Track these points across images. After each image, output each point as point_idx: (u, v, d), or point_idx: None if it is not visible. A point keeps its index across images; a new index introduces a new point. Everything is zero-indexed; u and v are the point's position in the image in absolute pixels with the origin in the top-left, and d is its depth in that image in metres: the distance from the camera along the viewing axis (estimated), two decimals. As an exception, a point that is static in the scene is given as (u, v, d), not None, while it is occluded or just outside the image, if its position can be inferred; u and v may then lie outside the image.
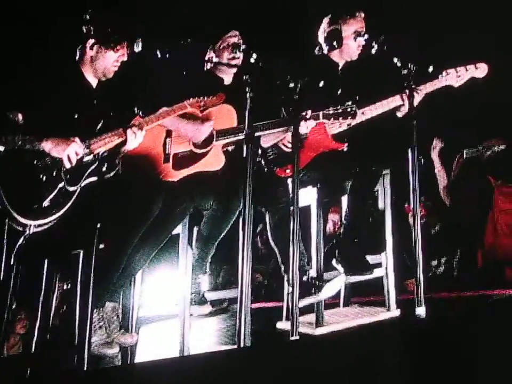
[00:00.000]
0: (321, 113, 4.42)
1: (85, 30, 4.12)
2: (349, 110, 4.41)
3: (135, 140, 4.05)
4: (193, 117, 4.41)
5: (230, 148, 4.58)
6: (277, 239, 4.58)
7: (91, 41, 4.09)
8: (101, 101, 4.16)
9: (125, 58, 4.10)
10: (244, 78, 3.89)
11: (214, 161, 4.40)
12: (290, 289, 4.44)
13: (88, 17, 4.12)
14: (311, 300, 4.45)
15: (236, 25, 4.80)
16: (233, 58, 4.60)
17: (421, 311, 4.16)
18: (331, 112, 4.42)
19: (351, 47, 4.83)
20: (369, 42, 4.57)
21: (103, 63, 4.10)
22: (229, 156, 4.50)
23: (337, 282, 4.51)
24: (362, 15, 4.84)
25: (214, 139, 4.42)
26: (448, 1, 6.56)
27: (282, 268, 4.57)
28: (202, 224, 4.43)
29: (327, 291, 4.43)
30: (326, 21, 4.89)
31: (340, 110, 4.41)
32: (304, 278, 4.43)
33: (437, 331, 3.97)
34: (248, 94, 3.86)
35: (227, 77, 4.73)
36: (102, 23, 4.10)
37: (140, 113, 4.24)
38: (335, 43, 4.79)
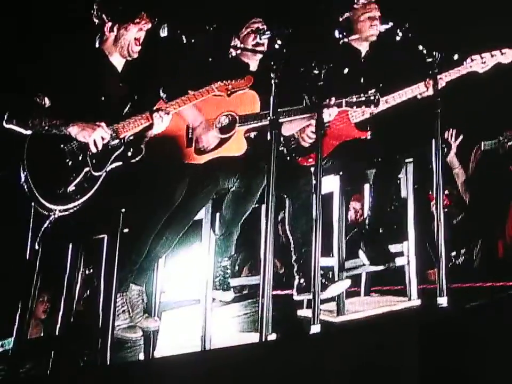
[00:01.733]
0: (344, 101, 4.40)
1: (96, 20, 4.14)
2: (372, 98, 4.40)
3: (161, 123, 4.05)
4: (219, 104, 4.41)
5: (252, 135, 4.56)
6: (293, 227, 4.55)
7: (108, 24, 4.10)
8: (127, 84, 4.17)
9: (149, 26, 4.09)
10: (270, 64, 3.88)
11: (236, 146, 4.39)
12: (297, 280, 4.46)
13: (96, 7, 4.13)
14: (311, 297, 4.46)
15: (260, 12, 4.79)
16: (258, 44, 4.58)
17: (443, 301, 4.15)
18: (354, 100, 4.40)
19: (363, 29, 4.86)
20: (394, 29, 4.56)
21: (127, 37, 4.10)
22: (251, 142, 4.49)
23: (342, 285, 4.48)
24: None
25: (237, 124, 4.41)
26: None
27: (294, 257, 4.54)
28: (225, 205, 4.41)
29: (331, 291, 4.38)
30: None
31: (363, 98, 4.40)
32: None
33: (459, 321, 3.96)
34: (273, 80, 3.86)
35: (252, 63, 4.71)
36: (111, 5, 4.11)
37: (164, 97, 4.23)
38: (348, 29, 4.87)
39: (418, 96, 4.69)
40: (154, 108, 4.14)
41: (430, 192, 5.95)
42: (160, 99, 4.29)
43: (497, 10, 6.42)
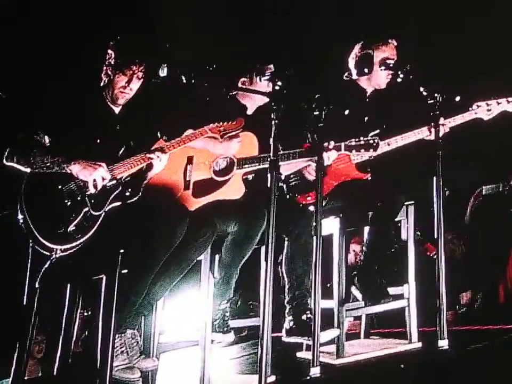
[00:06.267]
0: (343, 144, 4.38)
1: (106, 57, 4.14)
2: (371, 142, 4.37)
3: (160, 163, 4.07)
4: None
5: (249, 176, 4.55)
6: (290, 269, 4.53)
7: (104, 68, 4.12)
8: (123, 126, 4.18)
9: (134, 85, 4.10)
10: (271, 104, 3.87)
11: (234, 189, 4.38)
12: (287, 322, 4.44)
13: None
14: (300, 341, 4.43)
15: (263, 51, 4.80)
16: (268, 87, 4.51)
17: (443, 343, 4.12)
18: (353, 144, 4.38)
19: (380, 75, 4.79)
20: (396, 71, 4.56)
21: (111, 88, 4.10)
22: (249, 185, 4.48)
23: (331, 333, 4.42)
24: (395, 43, 4.83)
25: (235, 167, 4.41)
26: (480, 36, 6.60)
27: (287, 298, 4.52)
28: (224, 250, 4.38)
29: (321, 338, 4.32)
30: (358, 46, 4.86)
31: (362, 142, 4.37)
32: (304, 317, 4.39)
33: (460, 364, 3.94)
34: (273, 121, 3.84)
35: (251, 105, 4.71)
36: (110, 51, 4.11)
37: (164, 137, 4.22)
38: (366, 69, 4.76)
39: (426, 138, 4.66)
40: (152, 149, 4.14)
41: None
42: (156, 141, 4.24)
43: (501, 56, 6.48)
